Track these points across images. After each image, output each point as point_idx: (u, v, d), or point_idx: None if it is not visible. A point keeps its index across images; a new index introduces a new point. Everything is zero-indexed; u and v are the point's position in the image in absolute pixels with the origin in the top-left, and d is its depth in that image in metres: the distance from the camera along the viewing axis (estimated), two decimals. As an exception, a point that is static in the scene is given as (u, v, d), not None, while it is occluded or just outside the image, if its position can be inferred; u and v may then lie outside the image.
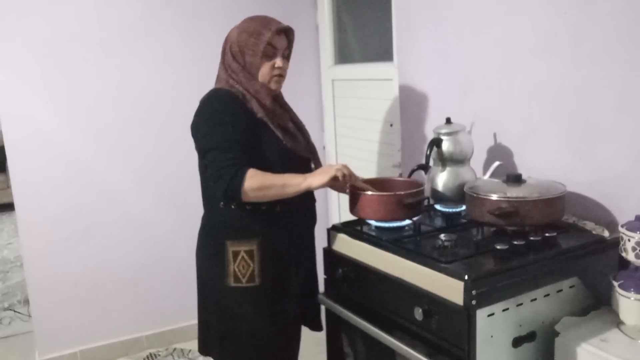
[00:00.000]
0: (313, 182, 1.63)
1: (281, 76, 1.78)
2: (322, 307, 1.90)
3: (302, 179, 1.64)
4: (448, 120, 1.91)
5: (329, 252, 1.83)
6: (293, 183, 1.63)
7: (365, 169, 2.93)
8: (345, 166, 1.67)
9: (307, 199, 1.82)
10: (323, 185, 1.65)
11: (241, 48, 1.74)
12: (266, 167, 1.66)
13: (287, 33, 1.79)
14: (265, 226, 1.73)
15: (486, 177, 1.83)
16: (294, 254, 1.81)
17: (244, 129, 1.66)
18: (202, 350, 1.90)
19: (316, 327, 1.98)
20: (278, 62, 1.75)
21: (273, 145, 1.72)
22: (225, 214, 1.73)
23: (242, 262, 1.73)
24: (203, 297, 1.86)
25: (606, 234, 1.60)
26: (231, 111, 1.67)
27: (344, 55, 3.16)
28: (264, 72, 1.75)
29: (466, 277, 1.33)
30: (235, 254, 1.72)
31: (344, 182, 1.68)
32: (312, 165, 1.87)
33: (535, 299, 1.43)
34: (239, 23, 1.80)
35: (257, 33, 1.72)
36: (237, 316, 1.77)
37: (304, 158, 1.82)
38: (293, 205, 1.75)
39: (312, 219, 1.91)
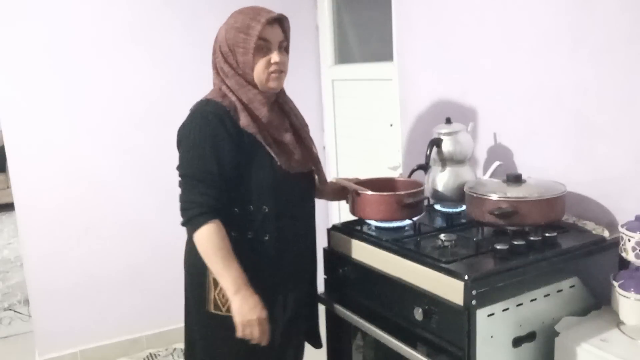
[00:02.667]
0: (233, 304, 1.50)
1: (281, 72, 1.58)
2: (319, 308, 1.88)
3: (233, 290, 1.49)
4: (448, 120, 1.91)
5: (329, 252, 1.83)
6: (224, 280, 1.50)
7: (365, 169, 2.93)
8: (260, 326, 1.51)
9: (308, 223, 1.72)
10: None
11: (231, 47, 1.57)
12: (257, 189, 1.57)
13: (280, 23, 1.58)
14: (250, 255, 1.56)
15: (486, 177, 1.83)
16: (281, 285, 1.64)
17: (225, 155, 1.52)
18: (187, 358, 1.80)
19: (316, 343, 1.85)
20: (274, 56, 1.55)
21: (265, 165, 1.56)
22: None
23: (223, 290, 1.54)
24: (186, 315, 1.75)
25: (606, 234, 1.60)
26: (212, 134, 1.52)
27: (344, 55, 3.16)
28: (259, 70, 1.55)
29: (466, 277, 1.33)
30: (216, 282, 1.55)
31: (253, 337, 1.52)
32: (316, 176, 1.73)
33: (535, 299, 1.43)
34: (227, 19, 1.63)
35: (246, 27, 1.53)
36: (219, 341, 1.64)
37: (304, 174, 1.66)
38: (286, 235, 1.62)
39: (308, 247, 1.73)
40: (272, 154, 1.56)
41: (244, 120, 1.54)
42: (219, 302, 1.59)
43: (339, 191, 1.87)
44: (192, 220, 1.52)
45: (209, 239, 1.50)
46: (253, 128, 1.54)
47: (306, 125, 1.74)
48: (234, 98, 1.57)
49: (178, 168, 1.58)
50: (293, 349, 1.76)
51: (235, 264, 1.50)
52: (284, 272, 1.65)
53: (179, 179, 1.58)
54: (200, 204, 1.51)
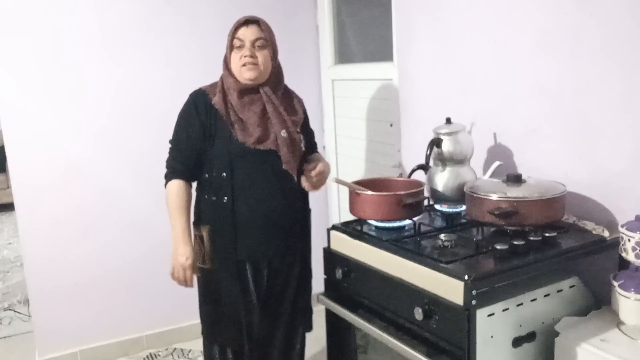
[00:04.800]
0: (173, 247, 1.90)
1: (252, 64, 1.86)
2: (319, 308, 1.90)
3: (174, 237, 1.89)
4: (448, 120, 1.91)
5: (328, 252, 1.83)
6: (173, 230, 1.90)
7: (365, 169, 2.93)
8: (183, 271, 1.88)
9: (271, 197, 1.91)
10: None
11: (226, 47, 1.93)
12: (218, 157, 1.87)
13: (258, 24, 1.89)
14: (214, 215, 1.90)
15: (486, 177, 1.83)
16: (248, 251, 1.91)
17: (196, 127, 1.88)
18: None
19: (305, 326, 2.07)
20: (244, 51, 1.87)
21: (226, 138, 1.86)
22: (196, 202, 1.98)
23: (198, 245, 1.94)
24: None
25: (606, 234, 1.60)
26: (188, 112, 1.91)
27: (344, 55, 3.16)
28: (234, 63, 1.89)
29: (466, 277, 1.33)
30: (195, 237, 1.95)
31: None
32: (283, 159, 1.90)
33: (535, 299, 1.43)
34: None
35: (230, 30, 1.90)
36: (206, 294, 1.99)
37: (260, 151, 1.87)
38: (245, 200, 1.88)
39: (276, 218, 1.92)
40: (232, 129, 1.86)
41: (215, 99, 1.89)
42: (199, 255, 1.93)
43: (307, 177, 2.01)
44: (165, 178, 1.93)
45: (168, 194, 1.91)
46: (220, 106, 1.88)
47: (285, 115, 1.91)
48: (220, 84, 1.92)
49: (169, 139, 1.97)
50: (283, 328, 2.02)
51: (181, 218, 1.88)
52: (248, 236, 1.89)
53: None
54: (170, 166, 1.92)
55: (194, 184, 1.97)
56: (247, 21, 1.88)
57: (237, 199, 1.87)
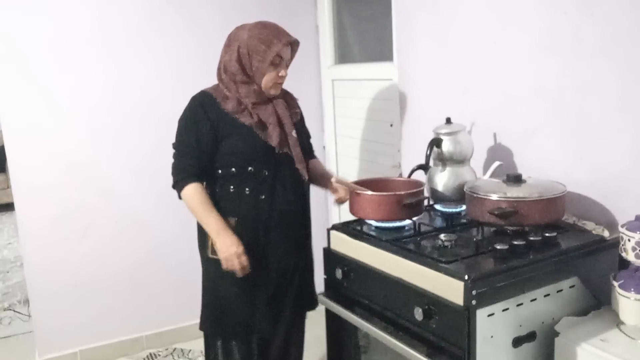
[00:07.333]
0: (217, 244, 1.85)
1: (282, 83, 1.93)
2: (319, 308, 1.91)
3: (214, 233, 1.85)
4: (448, 120, 1.91)
5: (328, 252, 1.83)
6: (207, 226, 1.87)
7: (365, 169, 2.93)
8: (238, 258, 1.83)
9: (291, 196, 1.93)
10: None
11: (250, 52, 1.85)
12: (241, 157, 1.87)
13: (292, 45, 1.92)
14: (234, 206, 1.89)
15: (486, 177, 1.83)
16: (266, 234, 1.91)
17: (206, 133, 1.86)
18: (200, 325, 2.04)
19: (310, 305, 2.08)
20: (283, 72, 1.89)
21: (247, 138, 1.86)
22: (208, 193, 1.92)
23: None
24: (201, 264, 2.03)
25: (606, 234, 1.60)
26: (196, 116, 1.88)
27: (344, 55, 3.16)
28: (268, 79, 1.87)
29: (466, 277, 1.33)
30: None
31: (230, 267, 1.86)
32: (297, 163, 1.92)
33: (535, 299, 1.43)
34: (249, 25, 1.88)
35: (268, 42, 1.84)
36: (213, 286, 1.97)
37: (279, 153, 1.89)
38: (265, 190, 1.89)
39: (290, 207, 1.94)
40: (256, 131, 1.87)
41: (229, 106, 1.87)
42: (215, 247, 1.89)
43: (320, 177, 2.09)
44: (177, 184, 1.90)
45: (190, 196, 1.87)
46: (238, 111, 1.87)
47: (291, 117, 1.95)
48: (224, 88, 1.90)
49: (173, 143, 1.94)
50: (284, 325, 2.00)
51: (214, 213, 1.86)
52: (272, 226, 1.91)
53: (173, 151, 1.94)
54: (183, 170, 1.89)
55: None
56: (291, 43, 1.90)
57: (260, 190, 1.88)
